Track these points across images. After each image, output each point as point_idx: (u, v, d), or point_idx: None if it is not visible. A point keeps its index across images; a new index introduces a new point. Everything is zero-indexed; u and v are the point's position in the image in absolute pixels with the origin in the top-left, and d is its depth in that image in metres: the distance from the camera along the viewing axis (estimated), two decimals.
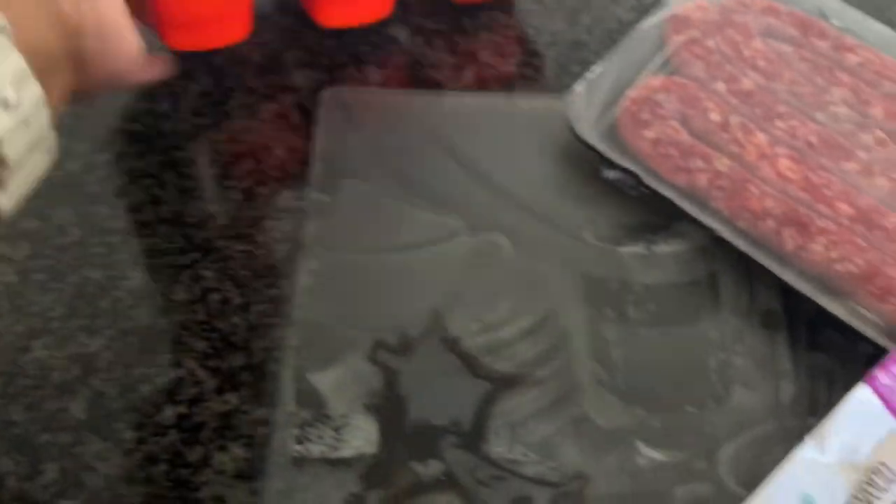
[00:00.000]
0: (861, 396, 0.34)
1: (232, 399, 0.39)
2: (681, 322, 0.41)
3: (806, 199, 0.40)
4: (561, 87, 0.46)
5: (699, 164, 0.41)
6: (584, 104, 0.43)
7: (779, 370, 0.40)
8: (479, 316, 0.41)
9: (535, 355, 0.40)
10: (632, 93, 0.44)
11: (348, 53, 0.50)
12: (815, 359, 0.40)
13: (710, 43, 0.45)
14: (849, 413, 0.34)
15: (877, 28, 0.48)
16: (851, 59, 0.46)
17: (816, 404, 0.38)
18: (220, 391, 0.39)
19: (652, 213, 0.43)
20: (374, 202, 0.44)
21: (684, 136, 0.42)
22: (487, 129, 0.46)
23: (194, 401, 0.38)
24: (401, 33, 0.51)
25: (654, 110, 0.42)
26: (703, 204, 0.41)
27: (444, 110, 0.47)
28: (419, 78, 0.49)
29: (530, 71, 0.50)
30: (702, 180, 0.41)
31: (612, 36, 0.49)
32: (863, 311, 0.38)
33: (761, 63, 0.45)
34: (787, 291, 0.41)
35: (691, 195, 0.42)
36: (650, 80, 0.44)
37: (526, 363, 0.40)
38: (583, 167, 0.44)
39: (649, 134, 0.42)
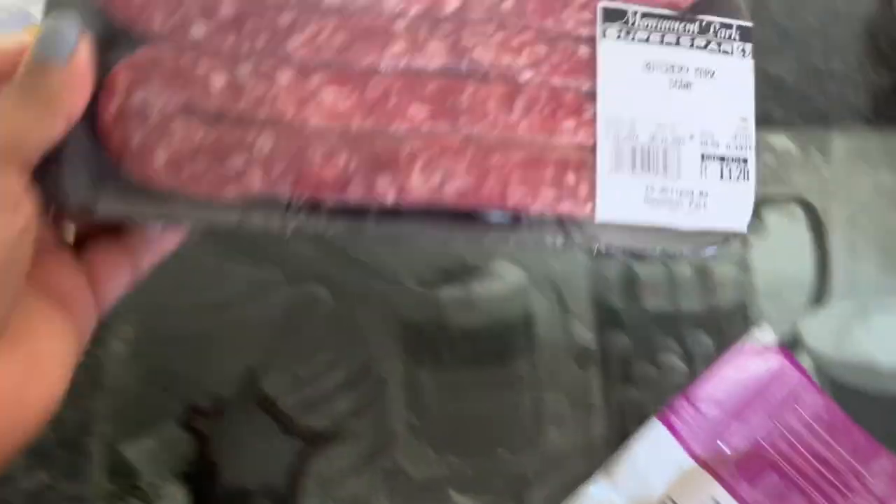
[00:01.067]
0: (654, 432, 0.34)
1: (42, 476, 0.38)
2: (495, 363, 0.41)
3: (375, 128, 0.30)
4: None
5: (238, 160, 0.29)
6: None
7: (591, 407, 0.40)
8: (295, 372, 0.41)
9: (350, 408, 0.40)
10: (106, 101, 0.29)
11: None
12: (628, 393, 0.41)
13: None
14: (641, 449, 0.34)
15: None
16: None
17: (627, 440, 0.38)
18: (28, 468, 0.38)
19: (470, 254, 0.44)
20: (188, 258, 0.43)
21: (200, 132, 0.29)
22: None
23: (1, 481, 0.37)
24: None
25: (139, 116, 0.29)
26: (270, 207, 0.29)
27: None
28: None
29: None
30: (254, 180, 0.29)
31: None
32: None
33: None
34: (601, 325, 0.41)
35: (255, 204, 0.29)
36: (116, 73, 0.29)
37: (342, 417, 0.39)
38: None
39: (160, 156, 0.29)
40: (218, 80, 0.30)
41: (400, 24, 0.31)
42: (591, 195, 0.30)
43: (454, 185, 0.30)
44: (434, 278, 0.43)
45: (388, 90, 0.30)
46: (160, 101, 0.29)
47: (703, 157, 0.31)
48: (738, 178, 0.31)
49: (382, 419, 0.39)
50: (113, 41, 0.30)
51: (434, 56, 0.31)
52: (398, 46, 0.31)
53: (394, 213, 0.30)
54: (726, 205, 0.31)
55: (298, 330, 0.42)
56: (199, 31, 0.30)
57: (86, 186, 0.28)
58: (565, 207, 0.30)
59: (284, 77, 0.30)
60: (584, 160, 0.30)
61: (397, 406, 0.40)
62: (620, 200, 0.30)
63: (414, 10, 0.31)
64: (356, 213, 0.30)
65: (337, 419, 0.39)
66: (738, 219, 0.31)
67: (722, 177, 0.31)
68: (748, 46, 0.32)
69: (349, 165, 0.30)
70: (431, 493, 0.38)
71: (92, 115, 0.29)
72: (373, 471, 0.38)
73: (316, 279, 0.43)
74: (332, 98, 0.30)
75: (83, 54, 0.28)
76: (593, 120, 0.31)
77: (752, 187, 0.31)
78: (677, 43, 0.32)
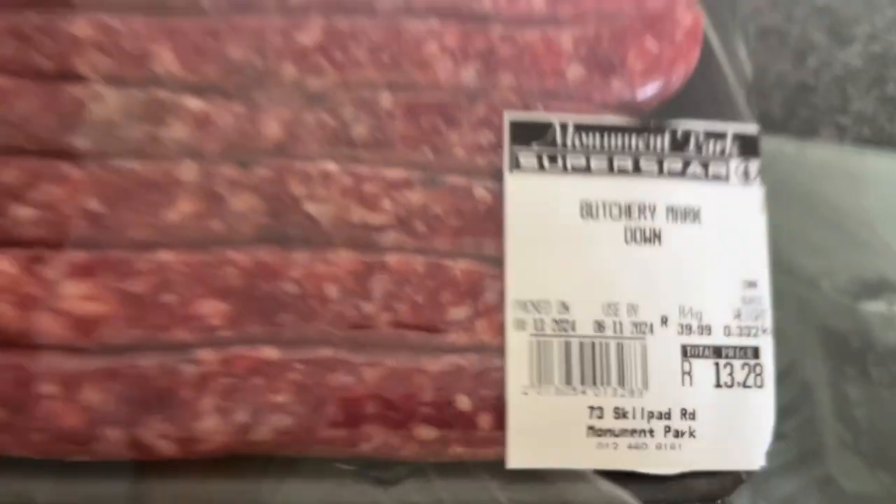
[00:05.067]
0: None
1: None
2: None
3: (143, 342, 0.19)
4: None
5: None
6: None
7: None
8: None
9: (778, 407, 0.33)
10: None
11: None
12: None
13: None
14: None
15: None
16: None
17: None
18: None
19: (892, 270, 0.37)
20: None
21: None
22: None
23: None
24: None
25: None
26: None
27: None
28: None
29: None
30: None
31: None
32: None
33: None
34: None
35: None
36: None
37: None
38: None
39: None
40: None
41: (189, 171, 0.20)
42: (498, 428, 0.19)
43: (270, 424, 0.19)
44: (854, 288, 0.37)
45: (166, 280, 0.19)
46: None
47: (685, 351, 0.19)
48: (745, 382, 0.19)
49: (811, 424, 0.34)
50: None
51: (242, 217, 0.19)
52: (184, 206, 0.19)
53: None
54: (728, 431, 0.19)
55: None
56: None
57: None
58: (457, 452, 0.19)
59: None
60: (485, 372, 0.19)
61: (825, 414, 0.34)
62: (546, 435, 0.19)
63: (211, 147, 0.20)
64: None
65: None
66: (749, 454, 0.19)
67: (719, 383, 0.19)
68: (754, 164, 0.21)
69: (102, 405, 0.18)
70: None
71: None
72: (804, 475, 0.32)
73: None
74: (74, 296, 0.19)
75: None
76: (499, 305, 0.19)
77: (770, 396, 0.20)
78: (636, 169, 0.20)
